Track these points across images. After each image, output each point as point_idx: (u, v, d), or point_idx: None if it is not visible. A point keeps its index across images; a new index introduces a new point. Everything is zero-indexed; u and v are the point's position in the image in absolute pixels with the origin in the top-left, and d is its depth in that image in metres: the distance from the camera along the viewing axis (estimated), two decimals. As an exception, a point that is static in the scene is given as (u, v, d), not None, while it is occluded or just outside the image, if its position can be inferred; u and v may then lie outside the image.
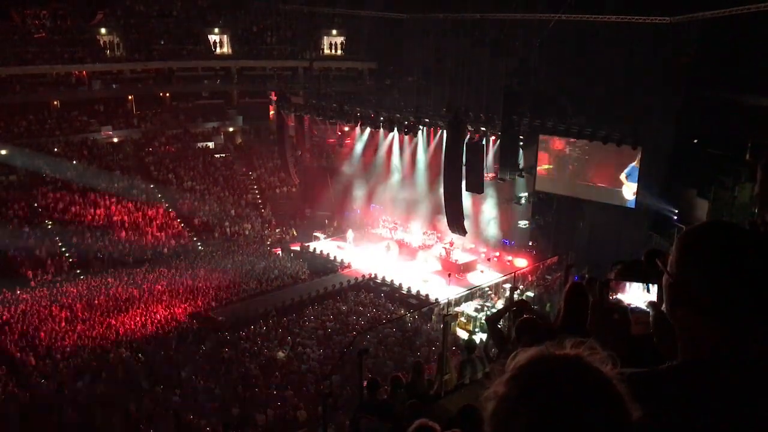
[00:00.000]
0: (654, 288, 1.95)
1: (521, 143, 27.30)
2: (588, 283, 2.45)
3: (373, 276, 28.04)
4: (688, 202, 23.39)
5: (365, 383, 8.77)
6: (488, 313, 22.34)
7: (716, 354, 1.37)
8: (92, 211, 31.33)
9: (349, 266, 29.73)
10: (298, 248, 32.66)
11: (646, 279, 1.98)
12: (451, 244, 28.85)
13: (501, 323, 6.49)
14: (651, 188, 24.02)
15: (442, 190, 27.77)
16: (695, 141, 23.30)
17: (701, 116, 22.28)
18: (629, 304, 1.98)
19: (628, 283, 2.04)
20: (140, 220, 31.93)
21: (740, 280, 1.34)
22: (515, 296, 14.90)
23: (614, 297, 2.02)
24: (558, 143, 26.59)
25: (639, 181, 24.21)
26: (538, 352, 1.22)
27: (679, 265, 1.46)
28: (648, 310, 1.91)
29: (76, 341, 21.36)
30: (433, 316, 22.81)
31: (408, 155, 32.31)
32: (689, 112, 23.04)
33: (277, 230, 34.40)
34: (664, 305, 1.56)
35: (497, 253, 29.45)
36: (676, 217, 23.21)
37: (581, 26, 27.22)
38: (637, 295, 1.99)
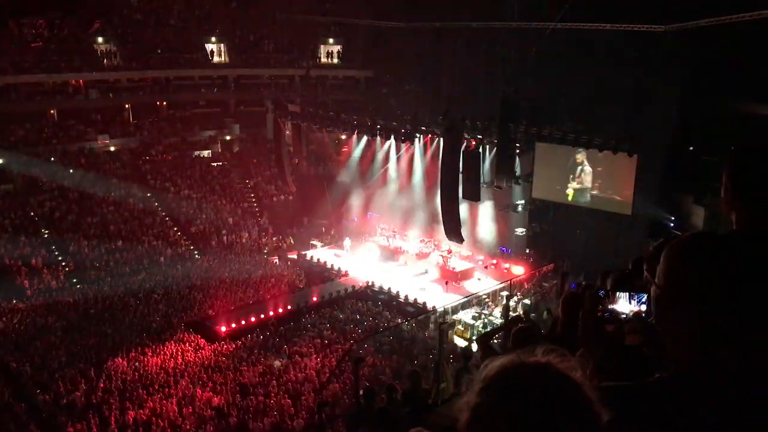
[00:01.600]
0: (642, 298, 1.95)
1: (518, 151, 27.36)
2: (584, 291, 2.45)
3: (370, 284, 28.02)
4: (685, 209, 23.47)
5: (361, 392, 8.75)
6: (485, 321, 22.37)
7: (704, 364, 1.37)
8: (89, 219, 31.27)
9: (346, 274, 29.71)
10: (295, 256, 32.65)
11: (633, 290, 1.98)
12: (449, 252, 28.86)
13: (496, 339, 6.47)
14: (648, 195, 24.08)
15: (439, 198, 27.80)
16: (691, 148, 23.39)
17: (697, 123, 22.38)
18: (622, 314, 1.98)
19: (618, 293, 2.03)
20: (137, 228, 31.88)
21: (725, 290, 1.35)
22: (512, 305, 14.92)
23: (607, 307, 2.02)
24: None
25: (636, 189, 24.26)
26: (508, 361, 1.24)
27: (666, 276, 1.46)
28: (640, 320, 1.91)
29: (72, 351, 21.27)
30: (431, 324, 22.77)
31: (405, 163, 32.34)
32: (685, 119, 23.13)
33: (274, 238, 34.36)
34: (652, 316, 1.56)
35: (494, 261, 29.46)
36: (672, 224, 23.26)
37: (577, 35, 27.35)
38: (627, 305, 1.99)
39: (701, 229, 21.26)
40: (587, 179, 25.94)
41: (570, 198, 26.55)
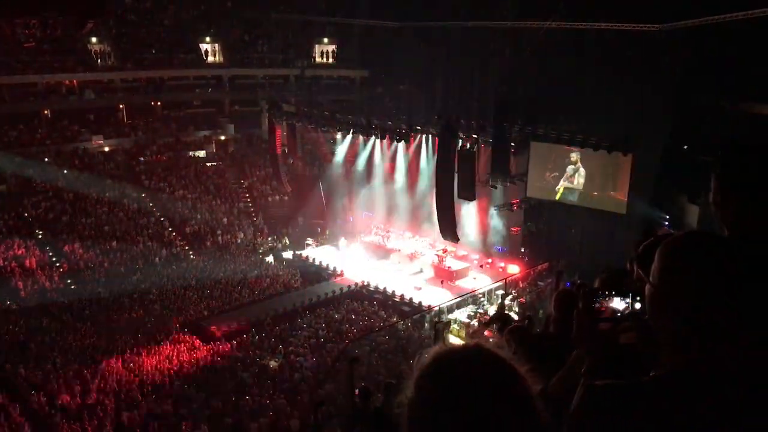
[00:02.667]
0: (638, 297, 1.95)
1: (512, 150, 27.38)
2: (578, 289, 2.45)
3: (365, 284, 28.03)
4: (679, 208, 23.53)
5: (357, 391, 8.75)
6: (481, 320, 22.40)
7: (701, 362, 1.37)
8: (83, 220, 31.17)
9: (341, 274, 29.70)
10: (290, 256, 32.62)
11: (628, 289, 1.98)
12: (445, 251, 28.88)
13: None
14: (642, 194, 24.13)
15: (434, 198, 27.81)
16: (685, 147, 23.44)
17: (691, 123, 22.44)
18: (617, 312, 1.98)
19: (613, 291, 2.03)
20: (132, 229, 31.79)
21: (719, 289, 1.35)
22: (507, 304, 14.94)
23: (603, 306, 2.01)
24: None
25: (630, 187, 24.32)
26: (438, 349, 1.30)
27: (660, 275, 1.47)
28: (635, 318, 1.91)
29: (67, 351, 21.22)
30: (426, 324, 22.80)
31: (400, 163, 32.34)
32: (680, 118, 23.19)
33: (270, 238, 34.32)
34: (647, 315, 1.57)
35: (489, 260, 29.50)
36: (667, 223, 23.31)
37: (572, 34, 27.40)
38: (622, 303, 1.99)
39: (695, 227, 21.35)
40: (580, 181, 25.98)
41: (558, 197, 26.61)
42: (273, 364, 20.25)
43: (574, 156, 25.82)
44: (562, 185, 26.44)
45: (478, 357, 1.24)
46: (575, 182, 26.09)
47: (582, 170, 25.82)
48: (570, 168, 26.13)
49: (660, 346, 1.49)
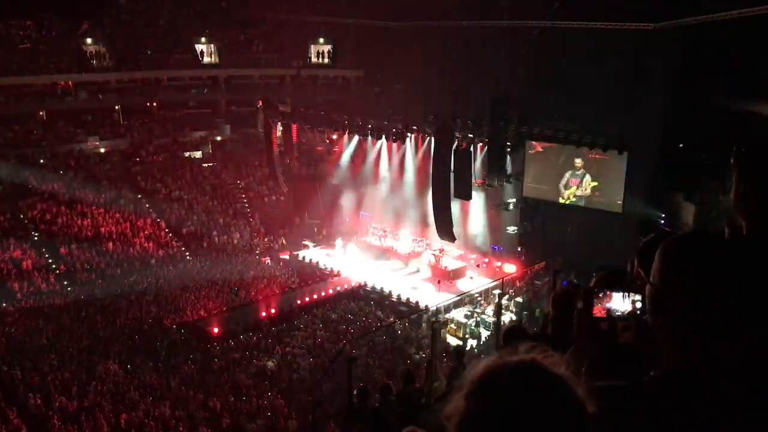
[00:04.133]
0: (637, 296, 1.95)
1: (509, 149, 27.40)
2: (575, 289, 2.46)
3: (362, 284, 28.02)
4: (675, 206, 23.58)
5: (355, 391, 8.75)
6: (478, 320, 22.46)
7: (701, 361, 1.38)
8: (79, 221, 31.10)
9: (338, 274, 29.68)
10: (287, 257, 32.60)
11: (626, 287, 1.98)
12: (441, 251, 28.89)
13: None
14: (638, 193, 24.19)
15: (430, 197, 27.82)
16: (681, 145, 23.50)
17: (686, 121, 22.48)
18: (616, 311, 1.98)
19: (611, 289, 2.03)
20: (128, 230, 31.73)
21: (718, 288, 1.36)
22: (504, 303, 14.96)
23: (601, 305, 2.02)
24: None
25: (626, 186, 24.37)
26: (491, 362, 1.25)
27: (661, 275, 1.47)
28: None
29: (63, 353, 21.16)
30: (423, 323, 22.80)
31: (396, 163, 32.33)
32: (675, 116, 23.24)
33: (266, 239, 34.30)
34: (647, 314, 1.57)
35: (486, 260, 29.51)
36: (663, 222, 23.37)
37: (567, 33, 27.43)
38: (621, 302, 1.99)
39: (691, 226, 21.41)
40: (588, 188, 25.89)
41: (566, 202, 26.51)
42: (270, 364, 20.24)
43: (579, 162, 25.80)
44: (570, 191, 26.30)
45: (533, 373, 1.20)
46: (583, 189, 25.99)
47: (588, 176, 25.76)
48: (568, 174, 26.07)
49: (659, 346, 1.49)
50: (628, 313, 1.94)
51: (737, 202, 1.70)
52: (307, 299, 26.38)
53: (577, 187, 26.09)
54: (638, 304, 1.93)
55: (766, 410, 1.30)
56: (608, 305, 2.02)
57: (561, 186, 26.42)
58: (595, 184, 25.63)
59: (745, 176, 1.67)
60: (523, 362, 1.22)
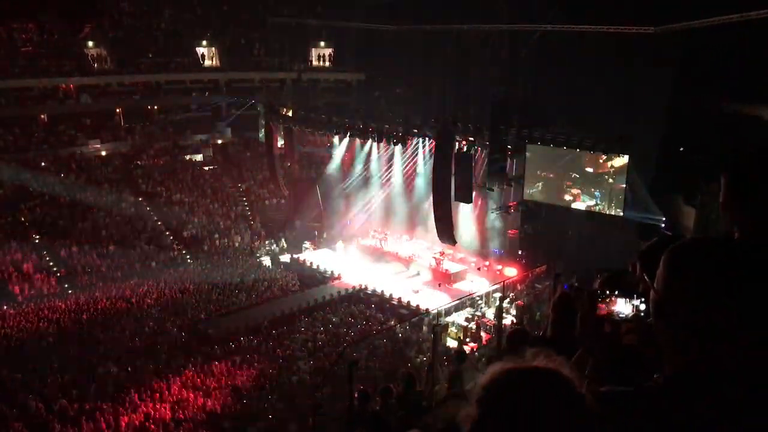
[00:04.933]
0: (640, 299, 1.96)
1: (509, 153, 27.42)
2: (576, 292, 2.46)
3: (363, 287, 28.00)
4: (676, 210, 23.57)
5: (356, 395, 8.75)
6: (478, 323, 22.41)
7: (701, 363, 1.39)
8: (80, 224, 31.11)
9: (339, 277, 29.66)
10: (288, 260, 32.60)
11: (630, 291, 1.99)
12: (442, 254, 28.88)
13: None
14: (638, 196, 24.19)
15: (431, 201, 27.82)
16: (681, 149, 23.50)
17: (687, 124, 22.50)
18: (619, 313, 1.99)
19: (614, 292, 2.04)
20: (129, 233, 31.74)
21: (718, 290, 1.37)
22: (505, 306, 14.94)
23: (605, 307, 2.02)
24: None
25: (626, 189, 24.37)
26: (499, 369, 1.26)
27: (665, 281, 1.48)
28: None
29: (63, 356, 21.15)
30: (424, 327, 22.79)
31: (397, 166, 32.35)
32: (675, 120, 23.25)
33: (267, 242, 34.30)
34: (651, 318, 1.58)
35: (487, 263, 29.50)
36: (663, 225, 23.37)
37: (567, 36, 27.46)
38: (624, 304, 2.00)
39: (692, 229, 21.42)
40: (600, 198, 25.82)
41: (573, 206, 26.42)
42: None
43: (575, 191, 25.80)
44: (583, 205, 26.21)
45: (545, 379, 1.22)
46: (596, 199, 25.90)
47: (597, 193, 25.70)
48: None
49: (661, 349, 1.50)
50: (632, 315, 1.95)
51: (731, 207, 1.69)
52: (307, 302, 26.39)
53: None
54: (641, 307, 1.93)
55: (766, 411, 1.31)
56: (612, 307, 2.02)
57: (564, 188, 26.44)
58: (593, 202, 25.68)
59: (744, 181, 1.67)
60: (537, 368, 1.24)
